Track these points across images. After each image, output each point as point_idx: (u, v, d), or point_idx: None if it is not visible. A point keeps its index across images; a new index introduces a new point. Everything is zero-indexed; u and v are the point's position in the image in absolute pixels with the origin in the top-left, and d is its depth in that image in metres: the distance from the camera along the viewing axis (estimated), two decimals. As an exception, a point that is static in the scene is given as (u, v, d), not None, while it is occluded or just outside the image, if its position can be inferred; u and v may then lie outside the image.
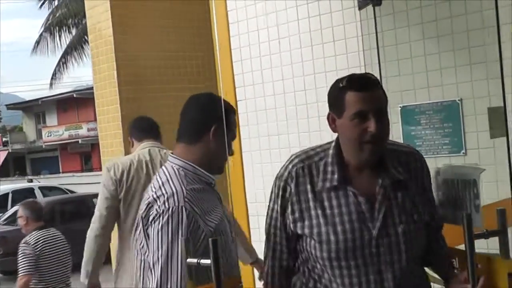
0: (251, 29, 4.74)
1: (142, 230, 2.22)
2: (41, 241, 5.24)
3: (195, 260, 3.39)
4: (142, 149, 4.09)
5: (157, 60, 6.22)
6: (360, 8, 3.84)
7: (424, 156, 3.86)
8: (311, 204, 2.09)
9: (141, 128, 4.23)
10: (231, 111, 2.37)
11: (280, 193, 2.15)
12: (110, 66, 6.05)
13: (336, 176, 2.07)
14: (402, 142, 3.96)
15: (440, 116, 3.84)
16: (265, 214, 2.29)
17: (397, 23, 3.96)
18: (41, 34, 24.67)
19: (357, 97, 1.99)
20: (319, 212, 2.07)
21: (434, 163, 3.83)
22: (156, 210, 2.15)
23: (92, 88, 6.79)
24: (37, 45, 24.87)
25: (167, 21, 6.29)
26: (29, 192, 17.89)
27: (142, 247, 2.23)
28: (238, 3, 4.78)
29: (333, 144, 2.14)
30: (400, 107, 3.97)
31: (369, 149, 2.02)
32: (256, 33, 4.72)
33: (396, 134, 3.97)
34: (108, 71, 6.10)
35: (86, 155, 35.58)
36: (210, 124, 2.28)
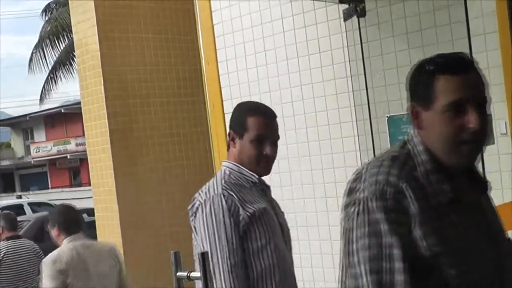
0: (237, 42, 4.76)
1: (191, 225, 2.44)
2: (4, 250, 5.44)
3: (184, 274, 3.38)
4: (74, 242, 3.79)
5: (144, 74, 6.22)
6: (345, 20, 3.87)
7: None
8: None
9: (69, 220, 3.88)
10: (253, 113, 2.44)
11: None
12: (97, 81, 6.04)
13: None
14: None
15: None
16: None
17: (382, 33, 4.02)
18: (33, 51, 24.52)
19: (452, 82, 1.56)
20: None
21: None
22: (199, 201, 2.34)
23: (79, 103, 6.77)
24: (30, 62, 24.72)
25: (154, 35, 6.30)
26: (19, 208, 17.70)
27: (195, 240, 2.44)
28: (224, 17, 4.81)
29: (415, 146, 1.65)
30: (387, 116, 4.01)
31: (468, 150, 1.58)
32: (242, 45, 4.75)
33: (383, 143, 4.00)
34: (95, 86, 6.08)
35: (75, 170, 35.44)
36: (233, 129, 2.45)
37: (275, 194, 2.67)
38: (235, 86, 4.77)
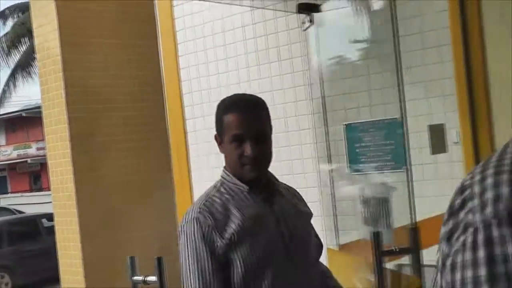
0: (199, 49, 4.78)
1: None
2: None
3: (140, 278, 3.38)
4: None
5: (106, 79, 6.18)
6: (304, 29, 3.92)
7: (369, 172, 3.98)
8: None
9: None
10: (228, 110, 2.09)
11: None
12: (58, 85, 5.97)
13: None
14: (346, 159, 4.06)
15: (383, 133, 3.93)
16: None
17: (336, 40, 4.07)
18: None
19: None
20: None
21: (379, 179, 3.95)
22: (180, 225, 2.09)
23: (40, 107, 6.70)
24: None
25: (116, 40, 6.27)
26: (-23, 213, 17.42)
27: None
28: (187, 24, 4.83)
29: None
30: (344, 124, 4.05)
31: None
32: (204, 52, 4.77)
33: (341, 151, 4.05)
34: (56, 90, 6.01)
35: (36, 175, 34.84)
36: (216, 131, 2.14)
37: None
38: (196, 93, 4.79)
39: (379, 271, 2.22)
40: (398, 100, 3.87)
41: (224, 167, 2.12)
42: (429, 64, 3.89)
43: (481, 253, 0.94)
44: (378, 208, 3.18)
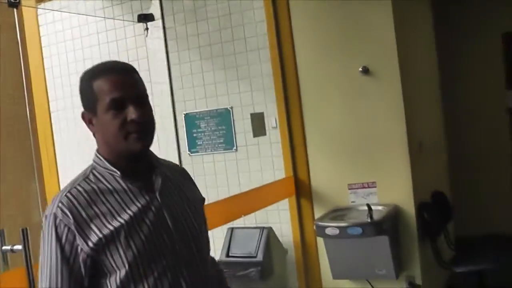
0: (61, 52, 5.13)
1: None
2: None
3: (8, 247, 3.63)
4: None
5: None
6: (146, 36, 4.45)
7: (205, 153, 4.56)
8: None
9: None
10: (98, 75, 1.66)
11: None
12: None
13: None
14: (186, 145, 4.63)
15: (216, 121, 4.55)
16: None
17: (179, 46, 4.61)
18: None
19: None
20: None
21: (212, 158, 4.56)
22: (44, 215, 1.64)
23: None
24: None
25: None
26: None
27: None
28: (50, 30, 5.16)
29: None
30: (184, 114, 4.61)
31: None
32: (65, 54, 5.12)
33: (181, 136, 4.62)
34: None
35: None
36: (85, 108, 1.70)
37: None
38: (59, 89, 5.14)
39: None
40: (227, 93, 4.52)
41: (97, 150, 1.70)
42: (252, 64, 4.47)
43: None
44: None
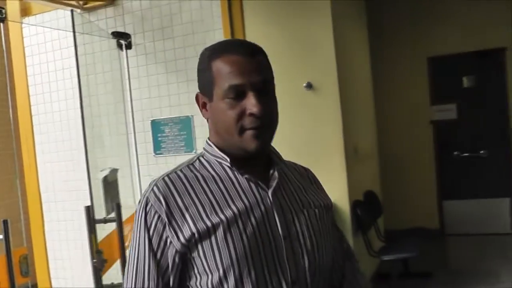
0: (43, 61, 5.37)
1: None
2: None
3: None
4: None
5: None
6: (121, 50, 4.79)
7: (168, 155, 4.90)
8: None
9: None
10: (219, 53, 1.33)
11: None
12: None
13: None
14: (152, 147, 4.97)
15: (178, 127, 4.90)
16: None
17: (148, 60, 4.96)
18: None
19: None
20: None
21: (175, 159, 4.93)
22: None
23: None
24: None
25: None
26: None
27: None
28: (33, 41, 5.41)
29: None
30: (150, 120, 4.96)
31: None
32: (46, 64, 5.37)
33: (148, 139, 4.97)
34: None
35: None
36: (200, 90, 1.41)
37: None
38: (40, 95, 5.37)
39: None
40: (188, 103, 4.90)
41: (208, 138, 1.43)
42: None
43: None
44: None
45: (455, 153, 7.07)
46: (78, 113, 4.63)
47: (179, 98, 4.91)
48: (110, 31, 4.82)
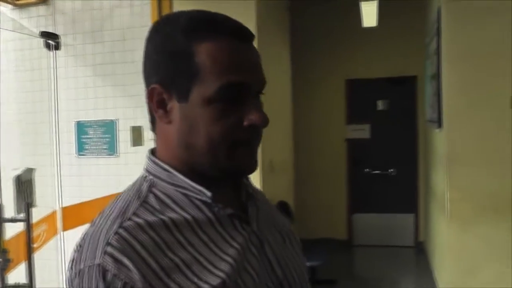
0: None
1: None
2: None
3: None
4: None
5: None
6: (50, 50, 4.79)
7: (91, 157, 4.95)
8: None
9: None
10: (209, 33, 0.93)
11: None
12: None
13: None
14: (75, 148, 4.99)
15: (102, 130, 4.97)
16: None
17: (77, 62, 4.97)
18: None
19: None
20: None
21: (97, 161, 4.98)
22: (70, 269, 0.92)
23: None
24: None
25: None
26: None
27: None
28: None
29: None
30: (75, 121, 4.98)
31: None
32: None
33: (71, 140, 4.98)
34: None
35: None
36: (159, 81, 0.97)
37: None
38: None
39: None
40: (114, 107, 4.96)
41: (152, 152, 1.07)
42: (137, 84, 4.83)
43: None
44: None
45: (366, 170, 7.46)
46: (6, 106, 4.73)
47: (105, 101, 4.95)
48: (41, 30, 4.80)
